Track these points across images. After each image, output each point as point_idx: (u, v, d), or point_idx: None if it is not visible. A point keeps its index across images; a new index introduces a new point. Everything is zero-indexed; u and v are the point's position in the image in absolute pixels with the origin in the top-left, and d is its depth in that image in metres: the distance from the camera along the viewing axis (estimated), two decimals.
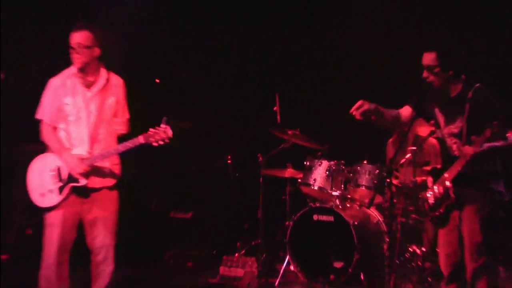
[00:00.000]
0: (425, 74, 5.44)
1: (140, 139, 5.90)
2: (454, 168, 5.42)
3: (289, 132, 8.30)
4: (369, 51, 9.49)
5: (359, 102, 5.42)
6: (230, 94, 10.30)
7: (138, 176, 9.21)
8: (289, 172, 8.71)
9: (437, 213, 5.60)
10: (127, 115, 6.42)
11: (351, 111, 5.39)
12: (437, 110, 5.68)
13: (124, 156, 6.21)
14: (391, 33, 9.21)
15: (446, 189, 5.51)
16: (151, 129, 5.86)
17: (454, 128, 5.50)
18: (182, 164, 9.92)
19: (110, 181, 6.26)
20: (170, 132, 5.79)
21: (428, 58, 5.43)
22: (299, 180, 8.39)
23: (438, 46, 5.41)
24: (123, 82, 6.39)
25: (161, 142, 5.79)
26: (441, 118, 5.69)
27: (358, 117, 5.38)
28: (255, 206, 8.30)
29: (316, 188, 8.18)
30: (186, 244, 9.57)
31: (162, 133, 5.78)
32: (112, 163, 6.30)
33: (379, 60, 9.44)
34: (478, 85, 5.47)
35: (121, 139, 6.18)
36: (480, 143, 5.13)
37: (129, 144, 5.95)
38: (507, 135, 5.05)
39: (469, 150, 5.19)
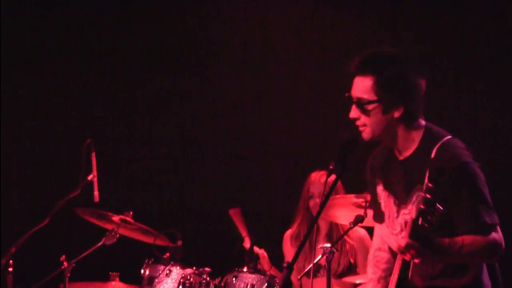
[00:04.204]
0: (352, 112, 4.48)
1: None
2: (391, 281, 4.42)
3: (115, 218, 7.12)
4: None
5: None
6: None
7: None
8: None
9: None
10: None
11: None
12: (380, 188, 4.71)
13: None
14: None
15: None
16: None
17: (408, 214, 4.54)
18: None
19: None
20: None
21: (360, 85, 4.48)
22: None
23: (373, 57, 4.43)
24: None
25: None
26: (388, 201, 4.69)
27: None
28: None
29: None
30: None
31: None
32: None
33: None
34: (448, 138, 4.49)
35: None
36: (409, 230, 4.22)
37: None
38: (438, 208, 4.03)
39: (399, 241, 4.25)
